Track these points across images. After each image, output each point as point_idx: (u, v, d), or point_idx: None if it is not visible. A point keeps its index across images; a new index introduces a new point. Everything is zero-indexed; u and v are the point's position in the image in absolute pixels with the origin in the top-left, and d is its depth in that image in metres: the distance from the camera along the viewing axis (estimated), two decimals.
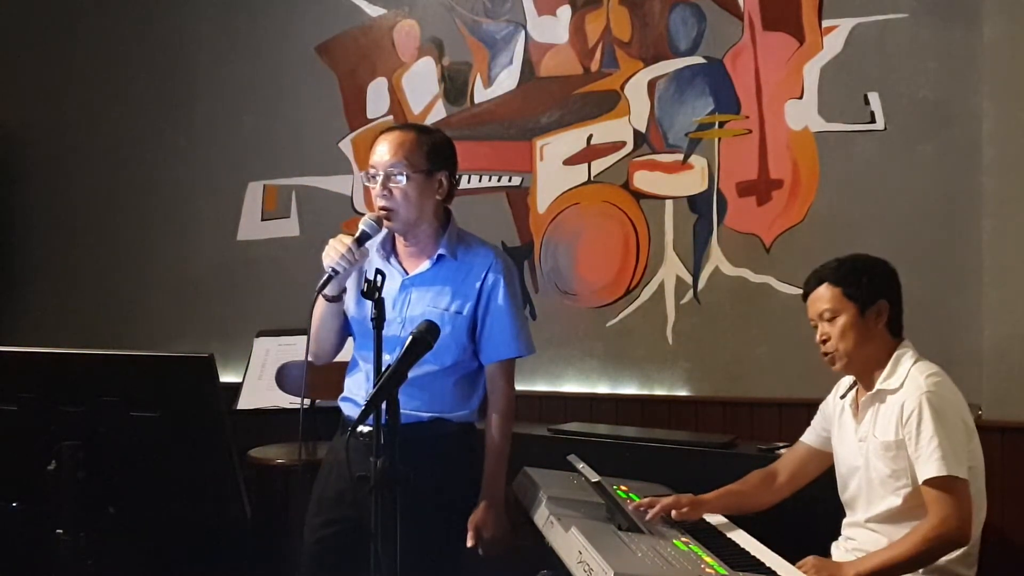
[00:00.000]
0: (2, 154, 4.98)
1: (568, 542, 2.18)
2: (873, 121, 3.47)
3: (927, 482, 2.31)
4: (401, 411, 2.48)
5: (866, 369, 2.49)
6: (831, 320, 2.46)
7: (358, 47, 4.34)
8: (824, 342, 2.49)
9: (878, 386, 2.46)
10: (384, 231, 2.56)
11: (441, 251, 2.59)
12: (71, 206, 4.91)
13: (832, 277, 2.48)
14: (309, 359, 2.55)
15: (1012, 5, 3.20)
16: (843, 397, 2.60)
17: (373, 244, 2.58)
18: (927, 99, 3.40)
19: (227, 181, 4.57)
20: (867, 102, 3.47)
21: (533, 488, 2.61)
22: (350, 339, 2.69)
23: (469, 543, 2.50)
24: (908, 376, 2.41)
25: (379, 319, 2.21)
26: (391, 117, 4.26)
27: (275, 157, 4.58)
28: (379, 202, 2.53)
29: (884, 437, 2.41)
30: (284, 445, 3.81)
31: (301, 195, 4.55)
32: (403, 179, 2.51)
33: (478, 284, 2.57)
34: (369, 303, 2.51)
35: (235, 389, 4.05)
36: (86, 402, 1.98)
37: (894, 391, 2.42)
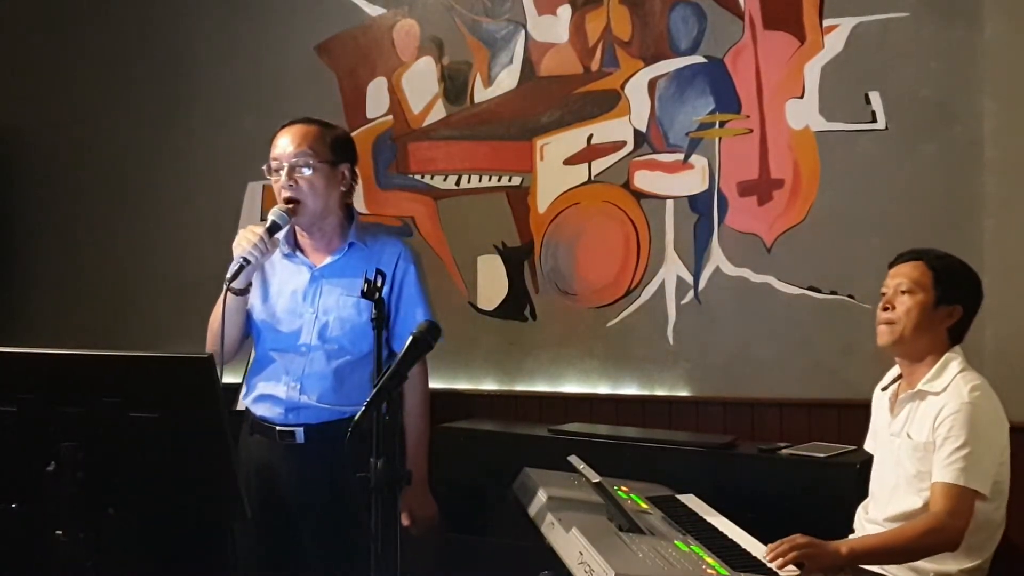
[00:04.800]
0: (2, 154, 4.97)
1: (569, 543, 2.17)
2: (874, 120, 3.46)
3: (940, 484, 2.30)
4: (321, 407, 2.52)
5: (912, 357, 2.49)
6: (905, 293, 2.46)
7: (358, 47, 4.33)
8: (886, 309, 2.49)
9: (920, 386, 2.46)
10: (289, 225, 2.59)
11: (352, 240, 2.62)
12: (70, 206, 4.90)
13: (930, 261, 2.49)
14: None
15: (1013, 4, 3.20)
16: (885, 389, 2.60)
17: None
18: (928, 98, 3.39)
19: (227, 181, 4.56)
20: (868, 101, 3.47)
21: (534, 489, 2.61)
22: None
23: (404, 523, 2.52)
24: (952, 383, 2.41)
25: (379, 319, 2.21)
26: (391, 117, 4.25)
27: None
28: (285, 193, 2.56)
29: (917, 438, 2.41)
30: None
31: None
32: (309, 170, 2.54)
33: (390, 271, 2.58)
34: (282, 299, 2.54)
35: (235, 389, 4.04)
36: (86, 403, 1.97)
37: (936, 394, 2.42)
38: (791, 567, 2.20)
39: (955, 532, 2.29)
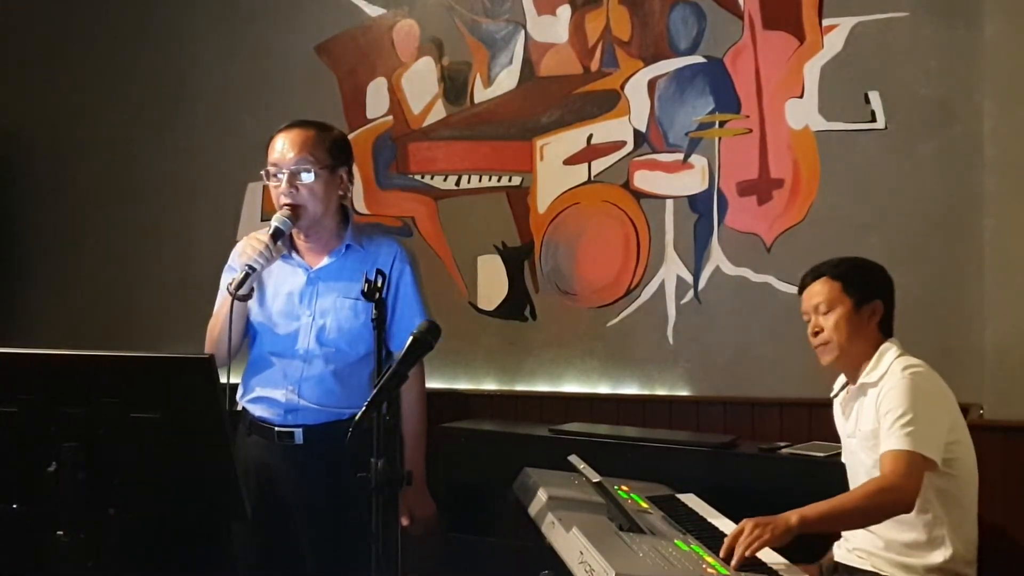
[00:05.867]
0: (2, 154, 4.97)
1: (569, 542, 2.17)
2: (874, 120, 3.46)
3: (887, 453, 2.32)
4: (320, 408, 2.52)
5: (854, 364, 2.54)
6: (826, 313, 2.52)
7: (358, 47, 4.33)
8: (816, 334, 2.53)
9: (861, 380, 2.50)
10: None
11: (348, 242, 2.62)
12: (71, 206, 4.90)
13: (832, 273, 2.56)
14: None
15: (1013, 4, 3.20)
16: (835, 397, 2.64)
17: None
18: (928, 98, 3.39)
19: (227, 181, 4.56)
20: (868, 101, 3.47)
21: (534, 488, 2.61)
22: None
23: (404, 523, 2.51)
24: (889, 369, 2.45)
25: (380, 319, 2.22)
26: (391, 117, 4.25)
27: None
28: (285, 199, 2.54)
29: (865, 428, 2.45)
30: None
31: None
32: (310, 176, 2.53)
33: (386, 272, 2.56)
34: (278, 301, 2.54)
35: (235, 389, 4.04)
36: (86, 403, 1.97)
37: (875, 383, 2.46)
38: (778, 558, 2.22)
39: (904, 492, 2.28)
